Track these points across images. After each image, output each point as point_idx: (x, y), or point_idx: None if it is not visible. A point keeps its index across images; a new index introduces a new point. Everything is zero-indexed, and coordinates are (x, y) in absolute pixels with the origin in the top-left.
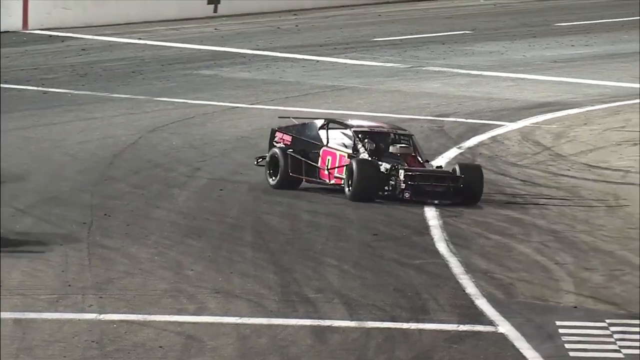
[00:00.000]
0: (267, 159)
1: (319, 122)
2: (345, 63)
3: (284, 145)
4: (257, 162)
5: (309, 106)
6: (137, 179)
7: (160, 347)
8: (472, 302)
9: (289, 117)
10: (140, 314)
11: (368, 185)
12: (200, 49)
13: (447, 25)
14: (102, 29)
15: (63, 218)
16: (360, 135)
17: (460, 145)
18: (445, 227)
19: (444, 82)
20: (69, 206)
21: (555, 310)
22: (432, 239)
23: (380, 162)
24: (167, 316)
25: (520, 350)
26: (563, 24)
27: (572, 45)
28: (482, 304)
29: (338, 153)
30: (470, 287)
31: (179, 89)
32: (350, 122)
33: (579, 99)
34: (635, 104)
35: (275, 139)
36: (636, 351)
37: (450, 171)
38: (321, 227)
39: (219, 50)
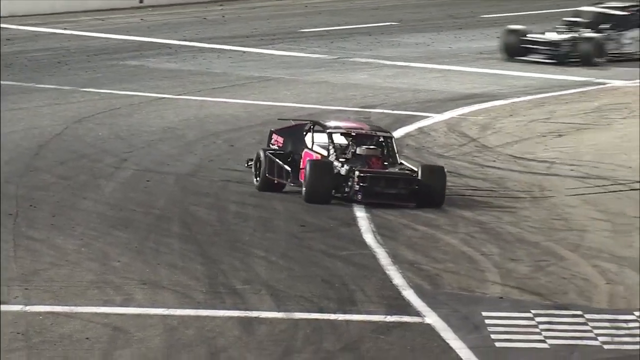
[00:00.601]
0: (254, 160)
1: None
2: (272, 54)
3: (277, 147)
4: (247, 165)
5: (235, 97)
6: (63, 169)
7: (87, 338)
8: (399, 293)
9: (288, 119)
10: (66, 305)
11: (320, 186)
12: (126, 40)
13: (373, 17)
14: (28, 19)
15: None
16: (333, 137)
17: None
18: (373, 218)
19: (370, 73)
20: None
21: (482, 300)
22: (359, 230)
23: (339, 164)
24: (93, 307)
25: (447, 341)
26: (489, 16)
27: (498, 37)
28: (409, 295)
29: (314, 155)
30: (397, 278)
31: (105, 79)
32: (330, 123)
33: (504, 90)
34: (560, 95)
35: (272, 141)
36: (561, 341)
37: (410, 173)
38: (249, 218)
39: (145, 41)
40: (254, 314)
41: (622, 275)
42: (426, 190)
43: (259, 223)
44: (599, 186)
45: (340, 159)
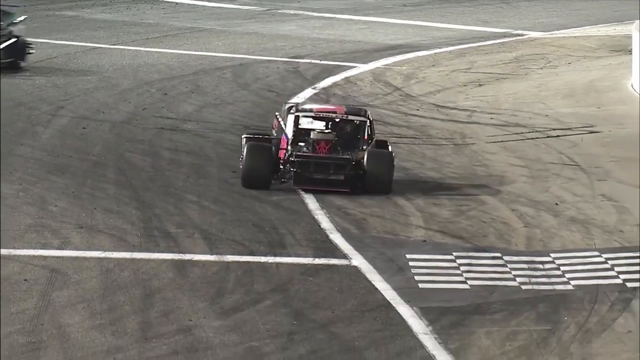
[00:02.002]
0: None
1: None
2: (204, 5)
3: (274, 132)
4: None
5: (168, 47)
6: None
7: (25, 280)
8: (327, 237)
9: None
10: (5, 248)
11: (257, 170)
12: None
13: None
14: None
15: None
16: (300, 120)
17: (315, 86)
18: None
19: (299, 24)
20: None
21: (406, 244)
22: None
23: (289, 149)
24: (31, 250)
25: (373, 282)
26: None
27: None
28: (337, 238)
29: (286, 140)
30: (325, 222)
31: (41, 29)
32: (305, 106)
33: (427, 41)
34: (480, 46)
35: (273, 124)
36: (483, 282)
37: (347, 159)
38: (182, 165)
39: None
40: (187, 256)
41: (538, 218)
42: (371, 177)
43: (191, 169)
44: (517, 134)
45: (299, 143)
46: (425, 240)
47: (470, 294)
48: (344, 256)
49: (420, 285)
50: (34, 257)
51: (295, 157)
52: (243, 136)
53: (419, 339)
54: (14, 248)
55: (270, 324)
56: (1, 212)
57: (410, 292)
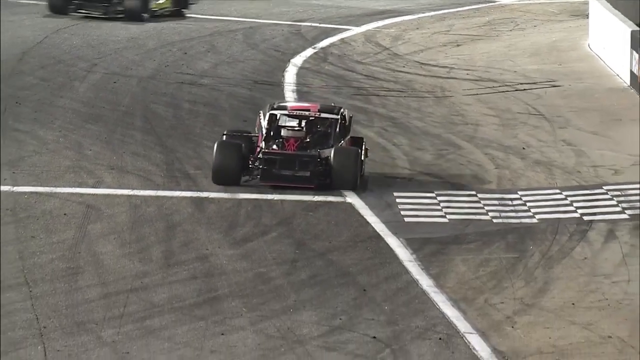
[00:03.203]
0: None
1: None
2: None
3: (257, 130)
4: None
5: (188, 12)
6: (43, 72)
7: (65, 214)
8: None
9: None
10: (47, 186)
11: (226, 168)
12: None
13: None
14: None
15: None
16: (275, 118)
17: (315, 45)
18: None
19: None
20: None
21: (393, 183)
22: None
23: (261, 146)
24: (70, 188)
25: (365, 217)
26: None
27: None
28: None
29: (260, 137)
30: None
31: None
32: (282, 104)
33: (412, 7)
34: (458, 11)
35: (257, 123)
36: (460, 216)
37: (313, 155)
38: (200, 115)
39: None
40: (205, 194)
41: (508, 161)
42: (337, 174)
43: (208, 118)
44: (489, 87)
45: (272, 141)
46: (410, 180)
47: (448, 226)
48: (340, 194)
49: (406, 219)
50: (72, 194)
51: (262, 154)
52: (223, 133)
53: (404, 266)
54: (54, 186)
55: (276, 253)
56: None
57: (397, 225)
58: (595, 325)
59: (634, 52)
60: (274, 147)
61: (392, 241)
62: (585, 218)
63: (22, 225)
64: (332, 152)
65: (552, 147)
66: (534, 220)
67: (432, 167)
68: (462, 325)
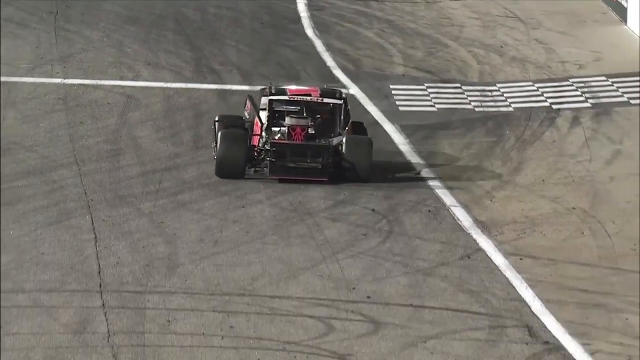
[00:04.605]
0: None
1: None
2: None
3: (247, 114)
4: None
5: None
6: None
7: (108, 103)
8: (331, 72)
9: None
10: (93, 79)
11: (231, 159)
12: None
13: None
14: None
15: (36, 8)
16: (274, 104)
17: None
18: (312, 17)
19: None
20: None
21: (389, 77)
22: (302, 26)
23: (264, 136)
24: (112, 81)
25: (365, 106)
26: None
27: None
28: (338, 73)
29: (259, 124)
30: (329, 61)
31: None
32: (279, 87)
33: None
34: None
35: (246, 107)
36: (447, 106)
37: (323, 146)
38: (224, 18)
39: None
40: (227, 86)
41: (488, 57)
42: (349, 165)
43: (231, 21)
44: None
45: (274, 129)
46: (404, 75)
47: (437, 115)
48: (344, 86)
49: (400, 108)
50: (114, 86)
51: (270, 145)
52: (215, 120)
53: (399, 149)
54: (99, 79)
55: None
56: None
57: (393, 114)
58: (562, 198)
59: None
60: (278, 136)
61: (389, 127)
62: (554, 107)
63: (72, 113)
64: (343, 142)
65: (526, 45)
66: (510, 109)
67: (423, 63)
68: (448, 199)
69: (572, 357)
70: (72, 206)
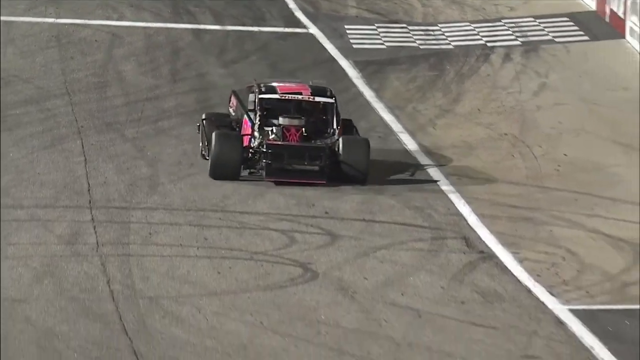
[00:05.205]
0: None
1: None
2: None
3: (232, 110)
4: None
5: None
6: None
7: (96, 40)
8: (293, 13)
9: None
10: (82, 19)
11: (226, 161)
12: None
13: None
14: None
15: None
16: (264, 103)
17: None
18: None
19: None
20: None
21: (344, 18)
22: None
23: (257, 136)
24: (99, 21)
25: (323, 44)
26: None
27: None
28: (299, 14)
29: (249, 123)
30: (291, 4)
31: None
32: (268, 85)
33: None
34: None
35: (230, 102)
36: (395, 44)
37: (320, 147)
38: None
39: None
40: (202, 26)
41: (431, 1)
42: (347, 167)
43: None
44: None
45: (266, 128)
46: (357, 16)
47: (386, 51)
48: (305, 26)
49: (354, 46)
50: (101, 25)
51: (266, 147)
52: (202, 118)
53: (353, 82)
54: (88, 19)
55: (256, 72)
56: None
57: (347, 50)
58: (495, 125)
59: None
60: (272, 137)
61: (344, 63)
62: (489, 44)
63: (64, 49)
64: (340, 143)
65: None
66: (450, 47)
67: (374, 6)
68: (395, 126)
69: (504, 264)
70: (64, 132)
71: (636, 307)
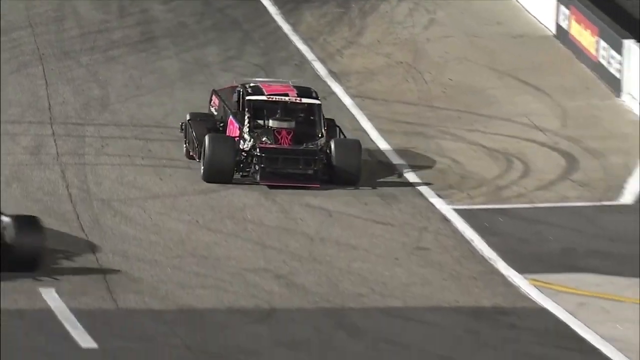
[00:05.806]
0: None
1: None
2: None
3: (214, 110)
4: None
5: None
6: None
7: None
8: None
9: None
10: None
11: (220, 164)
12: None
13: None
14: None
15: None
16: (253, 105)
17: None
18: None
19: None
20: None
21: None
22: None
23: (247, 138)
24: None
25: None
26: None
27: None
28: None
29: (236, 124)
30: None
31: None
32: (252, 85)
33: None
34: None
35: (212, 102)
36: None
37: (314, 150)
38: None
39: None
40: None
41: None
42: (339, 169)
43: None
44: None
45: (255, 131)
46: None
47: None
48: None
49: None
50: None
51: (260, 151)
52: (188, 119)
53: (273, 17)
54: None
55: (191, 7)
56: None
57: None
58: (393, 55)
59: None
60: (264, 139)
61: (265, 1)
62: None
63: None
64: (332, 146)
65: None
66: None
67: None
68: (309, 55)
69: (400, 171)
70: (28, 59)
71: (508, 206)
